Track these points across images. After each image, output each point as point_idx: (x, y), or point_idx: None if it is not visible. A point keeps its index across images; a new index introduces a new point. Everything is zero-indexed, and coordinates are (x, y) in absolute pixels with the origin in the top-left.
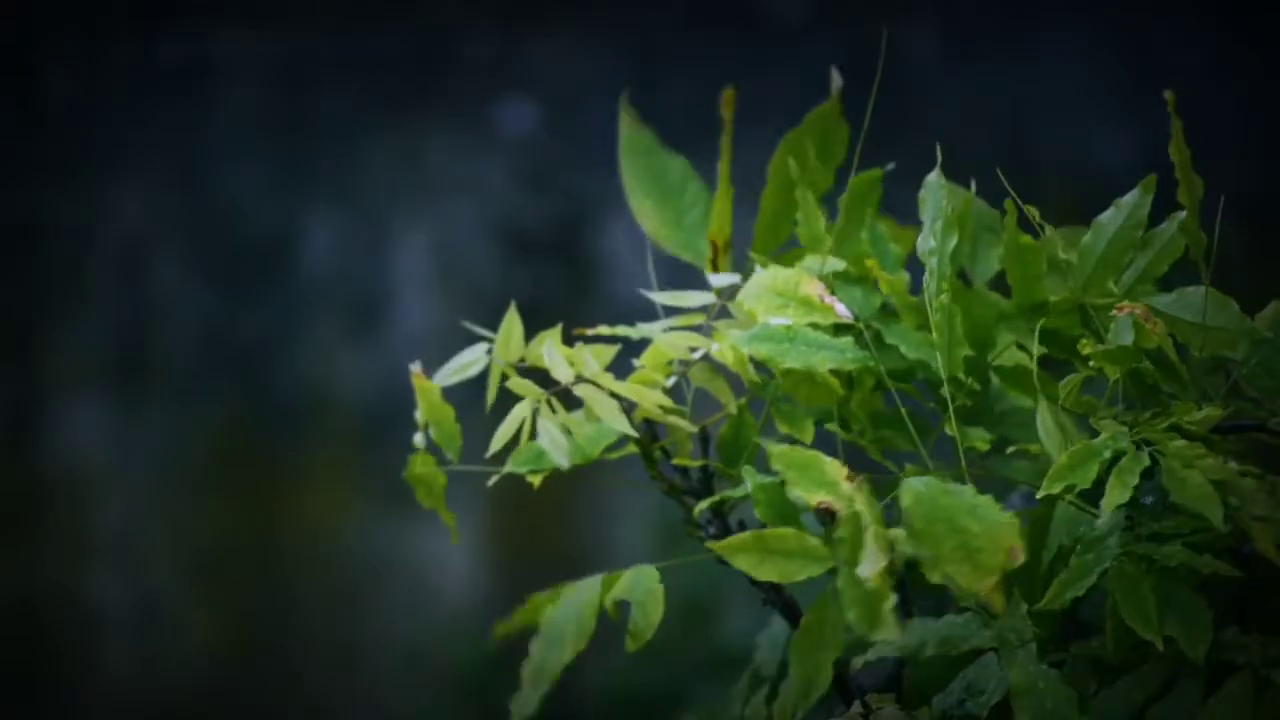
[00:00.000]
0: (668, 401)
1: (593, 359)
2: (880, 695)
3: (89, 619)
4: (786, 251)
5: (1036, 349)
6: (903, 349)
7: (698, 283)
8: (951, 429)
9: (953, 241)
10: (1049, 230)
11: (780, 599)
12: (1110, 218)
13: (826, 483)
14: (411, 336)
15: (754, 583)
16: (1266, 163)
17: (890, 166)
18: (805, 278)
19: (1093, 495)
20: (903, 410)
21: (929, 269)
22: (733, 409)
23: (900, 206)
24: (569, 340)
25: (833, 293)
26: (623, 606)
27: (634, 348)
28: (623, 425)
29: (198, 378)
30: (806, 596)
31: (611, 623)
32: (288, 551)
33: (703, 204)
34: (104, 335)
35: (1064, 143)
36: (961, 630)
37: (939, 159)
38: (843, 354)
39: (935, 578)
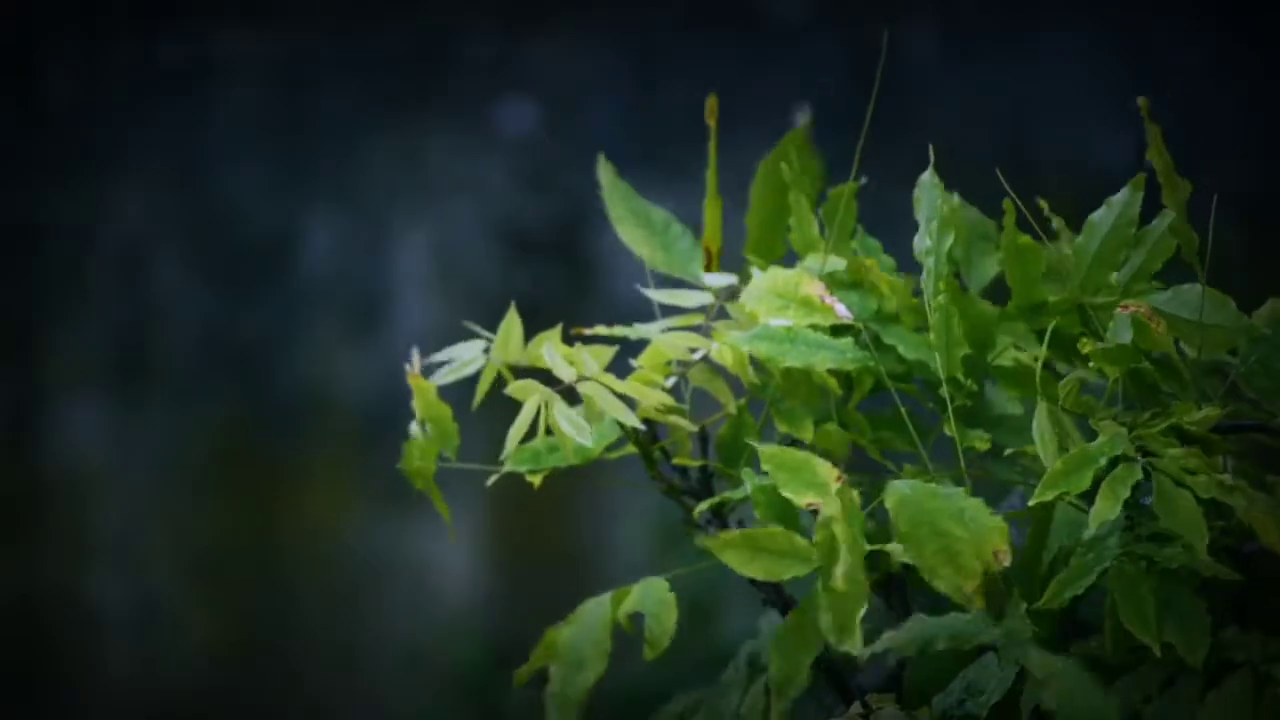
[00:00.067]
0: (669, 400)
1: (591, 359)
2: (880, 695)
3: (89, 619)
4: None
5: (1044, 351)
6: (901, 350)
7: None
8: (950, 429)
9: (949, 240)
10: (1057, 223)
11: (780, 599)
12: (1103, 216)
13: (817, 484)
14: (411, 336)
15: (754, 583)
16: (1266, 163)
17: (864, 180)
18: (805, 279)
19: (1093, 495)
20: (903, 411)
21: (926, 269)
22: (732, 409)
23: (901, 207)
24: (568, 340)
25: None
26: (635, 617)
27: (633, 348)
28: (628, 417)
29: (198, 378)
30: None
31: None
32: (288, 551)
33: (688, 239)
34: (104, 335)
35: (1064, 143)
36: (970, 627)
37: (931, 159)
38: (842, 354)
39: (925, 578)
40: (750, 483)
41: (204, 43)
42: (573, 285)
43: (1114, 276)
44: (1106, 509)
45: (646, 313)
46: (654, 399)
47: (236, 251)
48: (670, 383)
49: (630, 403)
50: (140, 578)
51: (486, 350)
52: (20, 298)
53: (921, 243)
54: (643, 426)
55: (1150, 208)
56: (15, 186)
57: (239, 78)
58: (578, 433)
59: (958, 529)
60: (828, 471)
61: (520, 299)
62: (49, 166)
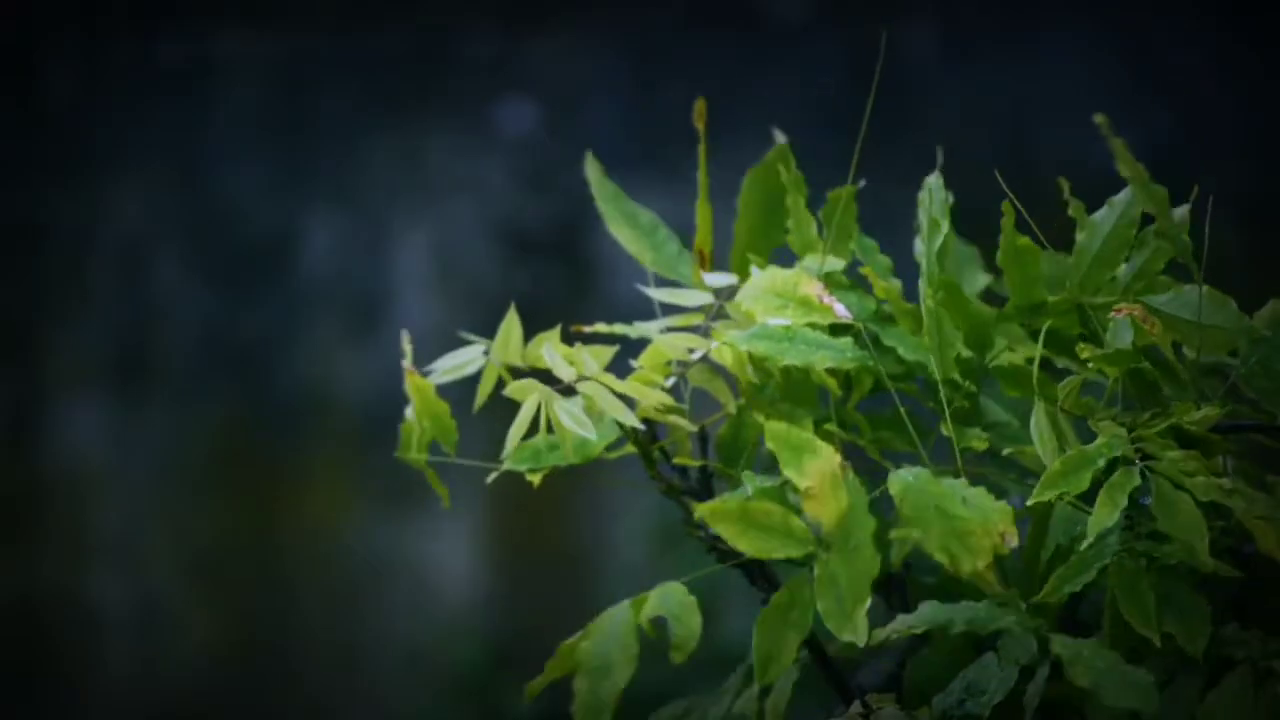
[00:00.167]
0: (669, 400)
1: (591, 359)
2: (880, 695)
3: (89, 619)
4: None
5: (1040, 350)
6: (900, 350)
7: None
8: (948, 430)
9: (939, 241)
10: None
11: None
12: (1104, 216)
13: (820, 465)
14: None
15: (753, 582)
16: (1266, 163)
17: (862, 184)
18: (804, 278)
19: (1092, 495)
20: (902, 411)
21: (920, 271)
22: (732, 409)
23: (901, 207)
24: (568, 340)
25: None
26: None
27: (632, 348)
28: (627, 417)
29: (198, 378)
30: None
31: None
32: (288, 551)
33: (675, 243)
34: (104, 335)
35: (1064, 143)
36: (985, 612)
37: (939, 161)
38: (842, 353)
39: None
40: (750, 484)
41: (204, 43)
42: (573, 285)
43: (1119, 270)
44: (1105, 516)
45: (647, 312)
46: (653, 399)
47: (236, 251)
48: (670, 383)
49: (630, 403)
50: (140, 578)
51: (486, 353)
52: (20, 298)
53: (918, 245)
54: (642, 426)
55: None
56: (15, 186)
57: (239, 78)
58: (580, 427)
59: (964, 511)
60: (831, 454)
61: (520, 299)
62: (49, 166)
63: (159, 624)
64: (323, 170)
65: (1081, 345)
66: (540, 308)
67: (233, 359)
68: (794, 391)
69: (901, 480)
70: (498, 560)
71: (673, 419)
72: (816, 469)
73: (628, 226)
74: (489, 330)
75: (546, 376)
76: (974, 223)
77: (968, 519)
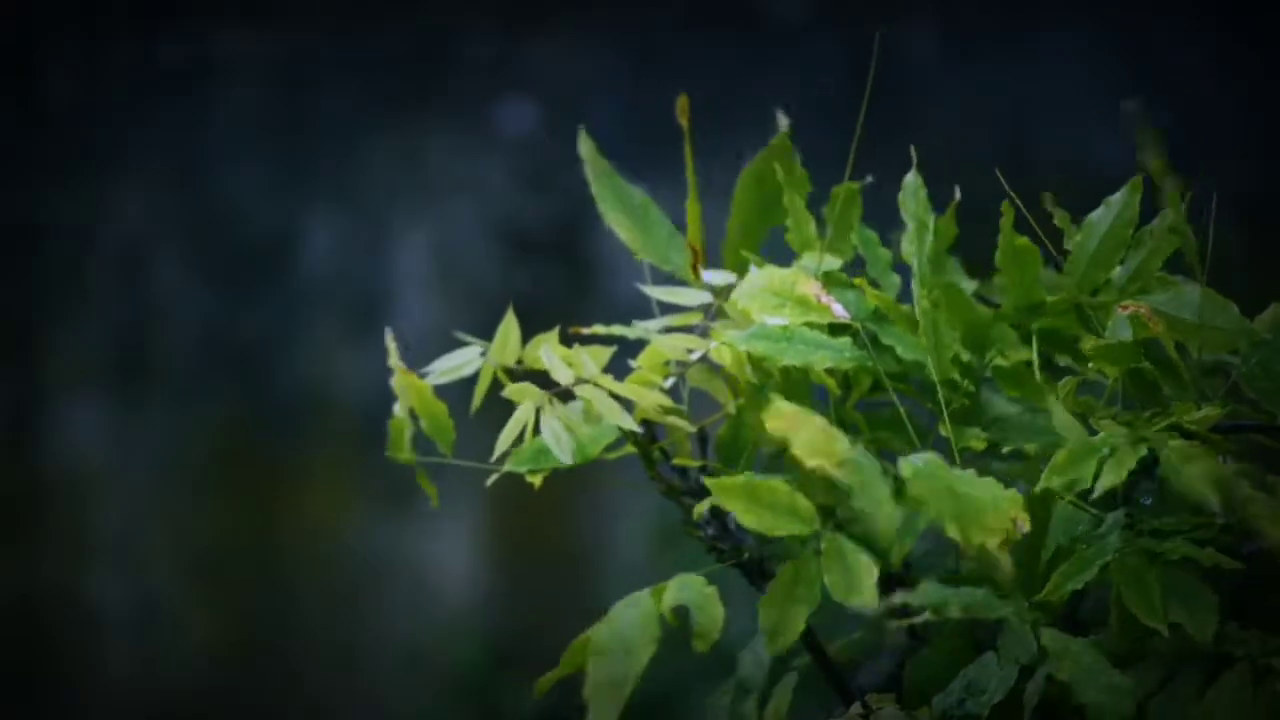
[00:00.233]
0: (667, 401)
1: (590, 360)
2: (880, 695)
3: (89, 619)
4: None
5: (1036, 350)
6: (899, 350)
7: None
8: (946, 430)
9: (928, 241)
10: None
11: None
12: (1101, 216)
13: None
14: (411, 337)
15: (752, 582)
16: (1266, 163)
17: (869, 180)
18: (802, 277)
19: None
20: (901, 410)
21: (912, 272)
22: (731, 409)
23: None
24: (566, 341)
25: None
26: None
27: (632, 348)
28: (625, 421)
29: (198, 378)
30: None
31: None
32: (288, 551)
33: (665, 226)
34: (104, 335)
35: (1064, 143)
36: (984, 600)
37: (914, 160)
38: (840, 353)
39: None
40: None
41: (204, 43)
42: (572, 285)
43: (1116, 271)
44: (1111, 479)
45: (646, 313)
46: (652, 400)
47: (236, 251)
48: (669, 383)
49: (628, 404)
50: (140, 578)
51: (483, 354)
52: (20, 298)
53: (906, 245)
54: (640, 429)
55: (1149, 208)
56: (15, 186)
57: (239, 78)
58: (559, 447)
59: (976, 492)
60: (841, 439)
61: (520, 299)
62: (49, 166)
63: (159, 624)
64: (323, 170)
65: (1085, 336)
66: (540, 308)
67: (233, 359)
68: (793, 391)
69: (912, 466)
70: (497, 560)
71: (671, 420)
72: (811, 426)
73: (620, 210)
74: (489, 330)
75: (545, 378)
76: (974, 223)
77: (980, 498)
